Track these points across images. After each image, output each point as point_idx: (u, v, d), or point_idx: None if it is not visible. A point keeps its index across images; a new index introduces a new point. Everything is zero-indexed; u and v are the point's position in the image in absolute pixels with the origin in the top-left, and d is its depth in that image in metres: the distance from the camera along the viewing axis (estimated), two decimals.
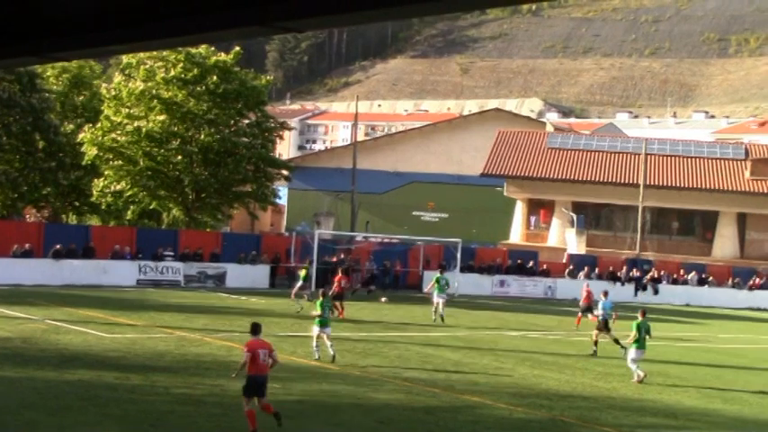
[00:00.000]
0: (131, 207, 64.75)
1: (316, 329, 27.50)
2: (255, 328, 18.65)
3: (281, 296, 48.16)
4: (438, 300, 42.34)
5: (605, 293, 35.29)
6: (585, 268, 65.70)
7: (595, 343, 33.32)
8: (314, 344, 27.47)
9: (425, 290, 48.57)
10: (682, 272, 69.40)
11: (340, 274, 43.02)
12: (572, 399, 24.20)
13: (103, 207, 65.29)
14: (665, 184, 78.68)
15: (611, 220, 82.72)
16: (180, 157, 60.61)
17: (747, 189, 78.01)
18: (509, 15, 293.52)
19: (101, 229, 59.41)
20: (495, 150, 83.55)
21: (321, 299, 27.99)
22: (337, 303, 38.69)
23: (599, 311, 34.13)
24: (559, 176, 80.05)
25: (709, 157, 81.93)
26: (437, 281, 43.06)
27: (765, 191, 77.62)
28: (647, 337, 27.89)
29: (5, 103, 62.02)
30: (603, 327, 33.47)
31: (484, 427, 20.16)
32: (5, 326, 30.72)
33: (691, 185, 78.64)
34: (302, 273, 44.27)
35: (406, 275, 61.26)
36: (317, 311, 27.62)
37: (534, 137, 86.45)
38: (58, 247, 48.76)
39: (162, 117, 59.52)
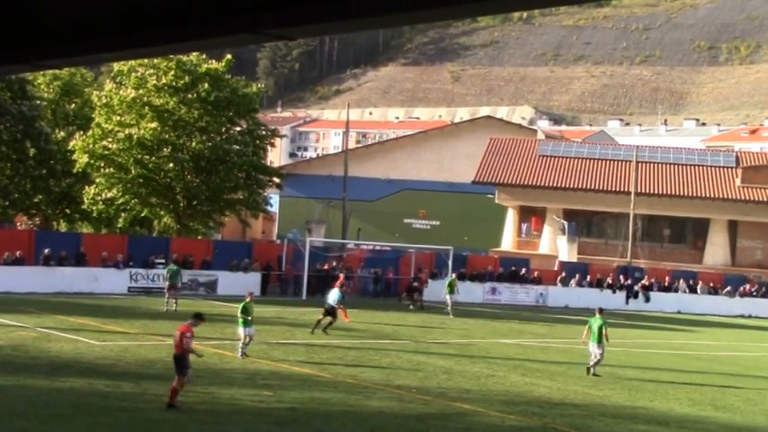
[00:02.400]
0: (123, 215, 64.58)
1: (241, 330, 28.89)
2: (193, 315, 21.69)
3: (273, 304, 48.15)
4: (447, 298, 49.85)
5: (339, 285, 39.51)
6: (577, 275, 65.76)
7: (318, 322, 36.14)
8: (241, 343, 28.91)
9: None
10: (673, 279, 69.40)
11: (341, 278, 45.18)
12: (564, 406, 24.19)
13: (95, 215, 65.10)
14: (656, 191, 78.80)
15: (602, 228, 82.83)
16: (171, 165, 60.52)
17: (738, 197, 78.14)
18: (500, 23, 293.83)
19: (92, 237, 59.28)
20: (486, 158, 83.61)
21: (247, 300, 29.36)
22: (342, 306, 39.98)
23: (330, 299, 36.90)
24: (550, 184, 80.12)
25: (700, 165, 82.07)
26: (449, 284, 50.69)
27: (756, 198, 77.78)
28: (605, 335, 30.11)
29: None
30: (329, 312, 36.37)
31: None
32: None
33: (682, 193, 78.76)
34: None
35: (397, 283, 61.19)
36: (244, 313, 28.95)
37: (525, 144, 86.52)
38: (46, 251, 48.68)
39: (153, 125, 59.43)
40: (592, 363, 30.10)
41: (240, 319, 28.80)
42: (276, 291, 56.15)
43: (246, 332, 28.64)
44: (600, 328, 29.87)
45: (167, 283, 43.87)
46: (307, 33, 5.91)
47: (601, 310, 31.00)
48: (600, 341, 29.90)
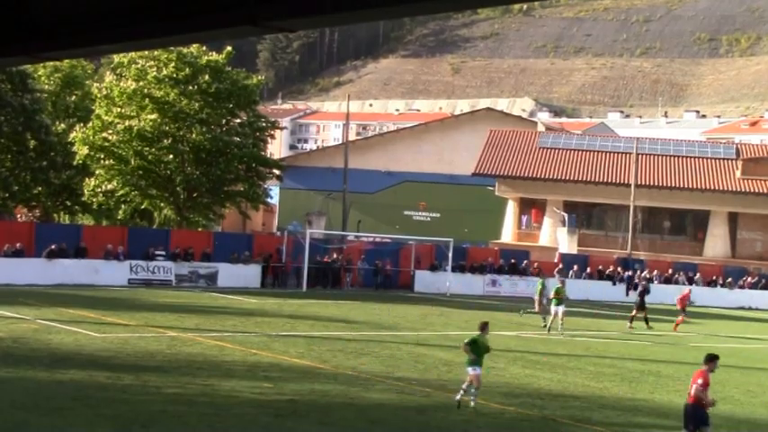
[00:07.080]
0: (123, 206, 64.59)
1: (469, 370, 21.77)
2: (708, 357, 17.72)
3: (273, 296, 48.18)
4: (556, 309, 41.07)
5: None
6: (575, 267, 65.66)
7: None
8: (465, 384, 21.75)
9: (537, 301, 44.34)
10: (673, 272, 69.34)
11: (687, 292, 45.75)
12: (564, 398, 24.19)
13: (95, 206, 65.14)
14: (656, 183, 78.75)
15: (602, 220, 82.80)
16: (171, 157, 60.56)
17: (738, 188, 78.09)
18: (500, 15, 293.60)
19: (92, 229, 59.29)
20: (486, 150, 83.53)
21: (478, 334, 22.56)
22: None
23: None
24: (551, 176, 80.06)
25: (700, 157, 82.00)
26: (557, 292, 41.52)
27: (756, 190, 77.73)
28: None
29: None
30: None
31: (475, 427, 20.15)
32: None
33: (682, 185, 78.71)
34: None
35: (397, 275, 61.22)
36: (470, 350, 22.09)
37: (525, 136, 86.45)
38: (52, 247, 48.70)
39: (153, 116, 59.45)
40: None
41: (467, 359, 22.00)
42: (276, 283, 56.23)
43: (474, 372, 21.59)
44: None
45: (542, 297, 42.90)
46: (308, 25, 5.90)
47: None
48: None
